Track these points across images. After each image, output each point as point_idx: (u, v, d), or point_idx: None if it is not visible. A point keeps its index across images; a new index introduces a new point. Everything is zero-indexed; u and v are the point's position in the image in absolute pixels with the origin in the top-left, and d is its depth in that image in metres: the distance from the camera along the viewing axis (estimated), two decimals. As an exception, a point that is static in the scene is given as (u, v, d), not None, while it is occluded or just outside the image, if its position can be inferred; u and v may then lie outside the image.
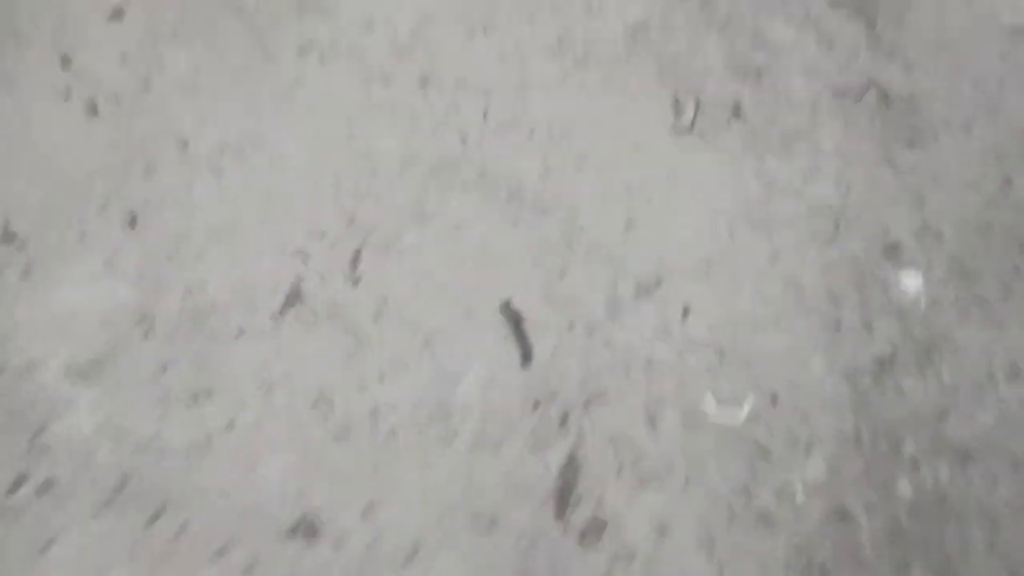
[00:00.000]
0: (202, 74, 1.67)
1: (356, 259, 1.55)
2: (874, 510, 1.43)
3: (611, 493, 1.41)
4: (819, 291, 1.59)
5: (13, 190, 1.53)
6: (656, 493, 1.41)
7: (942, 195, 1.69)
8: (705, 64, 1.77)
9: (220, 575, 1.31)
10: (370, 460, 1.40)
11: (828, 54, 1.81)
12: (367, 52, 1.72)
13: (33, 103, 1.61)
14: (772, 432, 1.47)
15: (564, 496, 1.41)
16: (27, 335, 1.43)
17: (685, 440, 1.45)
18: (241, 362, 1.45)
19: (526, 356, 1.48)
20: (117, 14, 1.70)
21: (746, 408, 1.48)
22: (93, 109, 1.62)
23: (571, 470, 1.43)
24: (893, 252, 1.64)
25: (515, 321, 1.50)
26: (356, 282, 1.53)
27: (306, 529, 1.35)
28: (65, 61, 1.65)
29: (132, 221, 1.53)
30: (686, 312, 1.55)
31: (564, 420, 1.46)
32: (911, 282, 1.61)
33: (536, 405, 1.47)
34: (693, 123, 1.72)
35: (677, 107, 1.73)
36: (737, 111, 1.74)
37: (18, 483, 1.33)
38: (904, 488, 1.44)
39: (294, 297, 1.51)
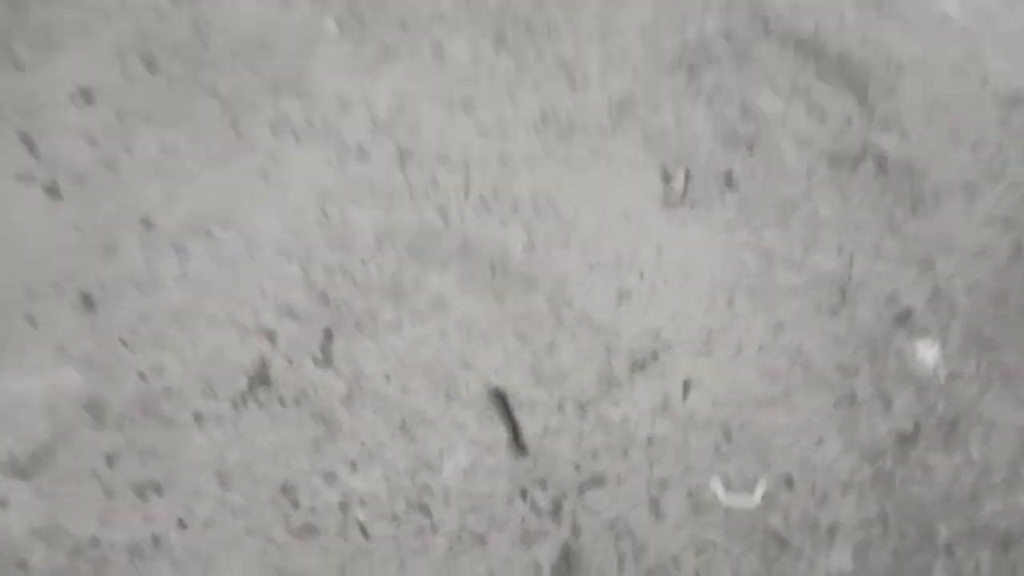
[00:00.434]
0: (172, 155, 1.60)
1: (328, 339, 1.44)
2: (910, 606, 1.26)
3: (611, 592, 1.25)
4: (828, 364, 1.47)
5: (-38, 274, 1.44)
6: (662, 591, 1.25)
7: (951, 262, 1.60)
8: (694, 135, 1.71)
9: None
10: (337, 561, 1.24)
11: (820, 124, 1.76)
12: (343, 129, 1.66)
13: (-9, 185, 1.54)
14: (789, 518, 1.32)
15: (558, 597, 1.24)
16: (-37, 427, 1.30)
17: (693, 528, 1.30)
18: (197, 452, 1.31)
19: (520, 448, 1.34)
20: (86, 97, 1.65)
21: (759, 491, 1.34)
22: (55, 191, 1.54)
23: (566, 566, 1.27)
24: (905, 321, 1.53)
25: (506, 409, 1.37)
26: (327, 363, 1.41)
27: (263, 641, 1.18)
28: (30, 143, 1.59)
29: (88, 303, 1.43)
30: (687, 387, 1.43)
31: (557, 509, 1.31)
32: (928, 352, 1.49)
33: (524, 494, 1.32)
34: (684, 193, 1.64)
35: (666, 178, 1.66)
36: (729, 181, 1.67)
37: (-63, 594, 1.18)
38: (942, 579, 1.28)
39: (259, 380, 1.39)
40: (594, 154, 1.68)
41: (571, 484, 1.33)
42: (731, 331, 1.49)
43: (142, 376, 1.37)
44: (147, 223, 1.52)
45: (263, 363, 1.40)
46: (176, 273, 1.47)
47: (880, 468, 1.37)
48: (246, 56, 1.72)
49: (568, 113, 1.72)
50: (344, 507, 1.29)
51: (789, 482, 1.35)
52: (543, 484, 1.33)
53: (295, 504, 1.28)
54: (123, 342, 1.39)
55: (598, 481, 1.34)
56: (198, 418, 1.34)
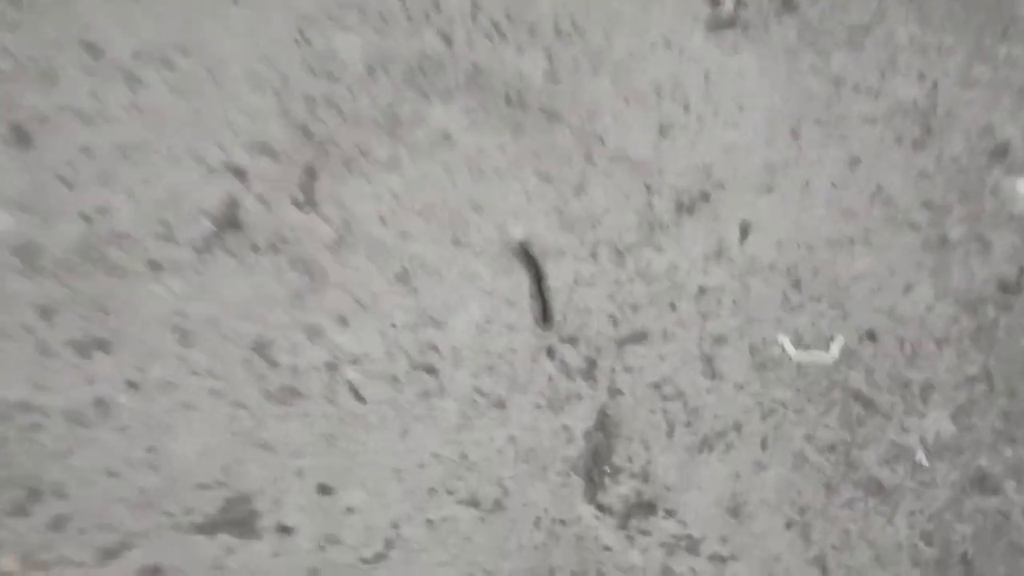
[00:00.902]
0: (124, -21, 1.34)
1: (310, 177, 1.19)
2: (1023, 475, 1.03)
3: (660, 463, 1.02)
4: (913, 202, 1.22)
5: None
6: (721, 462, 1.02)
7: (1054, 91, 1.34)
8: (743, -49, 1.44)
9: (109, 590, 0.92)
10: (323, 428, 1.02)
11: (891, -60, 1.48)
12: (327, -52, 1.40)
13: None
14: (873, 376, 1.08)
15: (595, 470, 1.01)
16: None
17: (757, 388, 1.07)
18: (152, 305, 1.08)
19: (546, 315, 1.10)
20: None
21: (836, 346, 1.10)
22: (-15, 19, 1.29)
23: (603, 434, 1.04)
24: (1002, 156, 1.27)
25: (533, 270, 1.13)
26: (310, 205, 1.18)
27: (233, 524, 0.96)
28: (-46, -34, 1.33)
29: (21, 137, 1.19)
30: (745, 229, 1.18)
31: (591, 368, 1.08)
32: (1032, 189, 1.24)
33: (551, 351, 1.09)
34: (734, 15, 1.38)
35: (712, -2, 1.39)
36: (787, 1, 1.40)
37: None
38: (1062, 448, 1.05)
39: (227, 223, 1.15)
40: (625, -27, 1.41)
41: (607, 340, 1.10)
42: (796, 166, 1.23)
43: (85, 218, 1.13)
44: (94, 50, 1.27)
45: (232, 204, 1.16)
46: (127, 104, 1.23)
47: (981, 319, 1.13)
48: None
49: (593, -72, 1.45)
50: (332, 367, 1.06)
51: (872, 336, 1.11)
52: (573, 341, 1.10)
53: (272, 363, 1.05)
54: (63, 180, 1.16)
55: (640, 337, 1.10)
56: (153, 266, 1.11)
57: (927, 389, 1.07)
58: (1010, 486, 1.01)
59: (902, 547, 0.98)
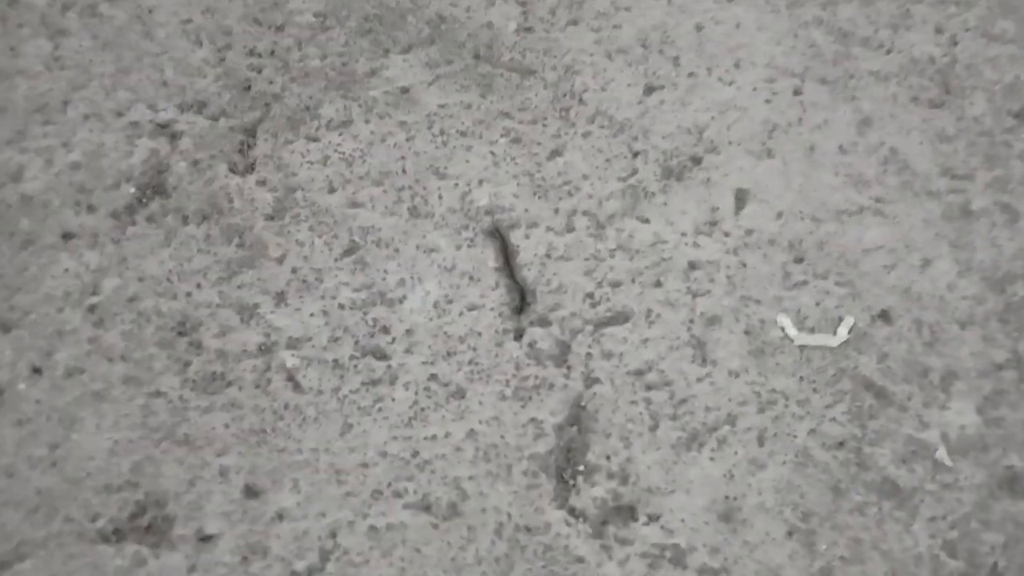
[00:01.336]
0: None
1: (250, 137, 1.06)
2: (1062, 479, 0.90)
3: (642, 462, 0.88)
4: (932, 167, 1.08)
5: None
6: (712, 460, 0.88)
7: (1086, 48, 1.20)
8: None
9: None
10: (253, 422, 0.88)
11: None
12: None
13: None
14: (887, 362, 0.95)
15: (567, 470, 0.88)
16: None
17: (754, 376, 0.93)
18: (61, 280, 0.95)
19: (522, 301, 0.97)
20: None
21: (844, 328, 0.96)
22: None
23: (577, 429, 0.90)
24: (1031, 118, 1.13)
25: (507, 259, 1.00)
26: (248, 169, 1.04)
27: (145, 531, 0.83)
28: None
29: (-78, 94, 1.05)
30: (741, 199, 1.05)
31: (564, 353, 0.94)
32: (1065, 153, 1.11)
33: (519, 334, 0.95)
34: (730, -37, 1.24)
35: (706, -55, 1.25)
36: (789, -51, 1.26)
37: None
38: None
39: (152, 189, 1.01)
40: (610, -83, 1.27)
41: (583, 322, 0.96)
42: (800, 128, 1.10)
43: (-11, 182, 1.00)
44: (11, -1, 1.14)
45: (159, 167, 1.02)
46: (46, 56, 1.09)
47: (1009, 298, 0.99)
48: None
49: None
50: (265, 351, 0.92)
51: (885, 317, 0.98)
52: (544, 322, 0.96)
53: (196, 346, 0.92)
54: (-34, 140, 1.02)
55: (620, 317, 0.97)
56: (66, 236, 0.97)
57: (948, 377, 0.94)
58: (1045, 489, 0.88)
59: (922, 559, 0.85)
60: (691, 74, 1.14)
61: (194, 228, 0.99)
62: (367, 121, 1.08)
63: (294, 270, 0.97)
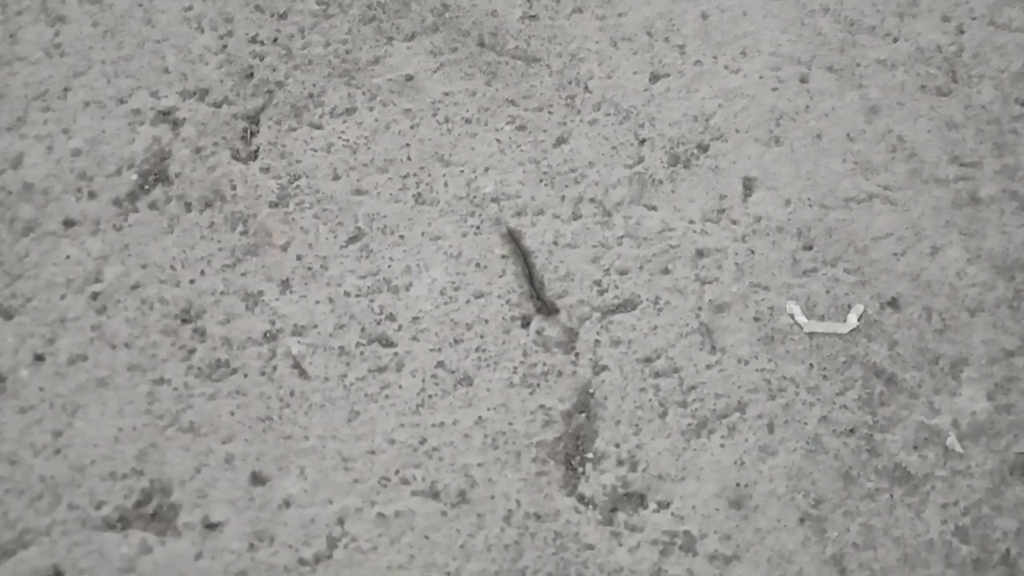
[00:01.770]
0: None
1: (253, 125, 1.05)
2: (1073, 466, 0.89)
3: (651, 449, 0.87)
4: (940, 154, 1.07)
5: None
6: (722, 447, 0.87)
7: (1092, 36, 1.20)
8: None
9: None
10: (259, 409, 0.87)
11: None
12: None
13: None
14: (897, 351, 0.94)
15: (575, 456, 0.87)
16: None
17: (764, 363, 0.92)
18: (63, 267, 0.94)
19: (542, 304, 0.96)
20: None
21: (854, 315, 0.96)
22: None
23: (585, 416, 0.89)
24: (1038, 105, 1.13)
25: (522, 255, 0.98)
26: (252, 156, 1.03)
27: (150, 519, 0.82)
28: None
29: (-79, 81, 1.04)
30: (749, 187, 1.04)
31: (571, 340, 0.93)
32: (1073, 141, 1.10)
33: (525, 322, 0.95)
34: (735, -49, 1.23)
35: (711, -67, 1.24)
36: (794, -63, 1.25)
37: None
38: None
39: (155, 176, 1.00)
40: (614, -95, 1.26)
41: (591, 309, 0.95)
42: (807, 115, 1.09)
43: (-10, 169, 0.99)
44: (11, -14, 1.13)
45: (162, 154, 1.01)
46: (46, 43, 1.08)
47: (1019, 284, 0.99)
48: None
49: None
50: (271, 338, 0.91)
51: (895, 304, 0.97)
52: (552, 311, 0.95)
53: (200, 334, 0.91)
54: (-34, 127, 1.01)
55: (628, 305, 0.96)
56: (68, 223, 0.96)
57: (959, 364, 0.93)
58: (1057, 475, 0.88)
59: (933, 545, 0.84)
60: (697, 62, 1.13)
61: (197, 215, 0.98)
62: (371, 108, 1.07)
63: (299, 257, 0.97)
